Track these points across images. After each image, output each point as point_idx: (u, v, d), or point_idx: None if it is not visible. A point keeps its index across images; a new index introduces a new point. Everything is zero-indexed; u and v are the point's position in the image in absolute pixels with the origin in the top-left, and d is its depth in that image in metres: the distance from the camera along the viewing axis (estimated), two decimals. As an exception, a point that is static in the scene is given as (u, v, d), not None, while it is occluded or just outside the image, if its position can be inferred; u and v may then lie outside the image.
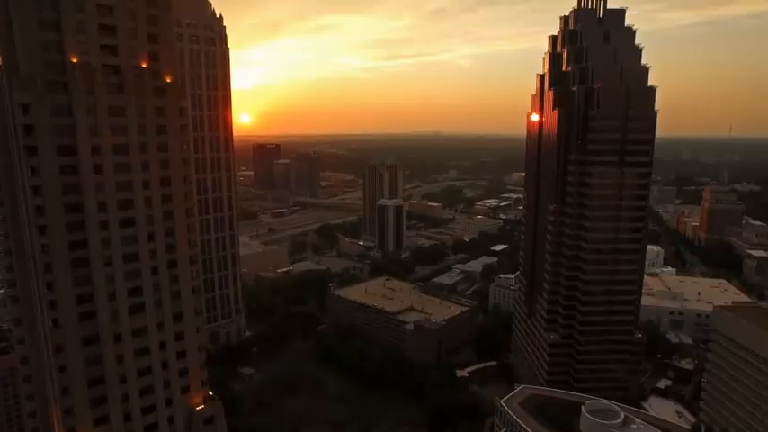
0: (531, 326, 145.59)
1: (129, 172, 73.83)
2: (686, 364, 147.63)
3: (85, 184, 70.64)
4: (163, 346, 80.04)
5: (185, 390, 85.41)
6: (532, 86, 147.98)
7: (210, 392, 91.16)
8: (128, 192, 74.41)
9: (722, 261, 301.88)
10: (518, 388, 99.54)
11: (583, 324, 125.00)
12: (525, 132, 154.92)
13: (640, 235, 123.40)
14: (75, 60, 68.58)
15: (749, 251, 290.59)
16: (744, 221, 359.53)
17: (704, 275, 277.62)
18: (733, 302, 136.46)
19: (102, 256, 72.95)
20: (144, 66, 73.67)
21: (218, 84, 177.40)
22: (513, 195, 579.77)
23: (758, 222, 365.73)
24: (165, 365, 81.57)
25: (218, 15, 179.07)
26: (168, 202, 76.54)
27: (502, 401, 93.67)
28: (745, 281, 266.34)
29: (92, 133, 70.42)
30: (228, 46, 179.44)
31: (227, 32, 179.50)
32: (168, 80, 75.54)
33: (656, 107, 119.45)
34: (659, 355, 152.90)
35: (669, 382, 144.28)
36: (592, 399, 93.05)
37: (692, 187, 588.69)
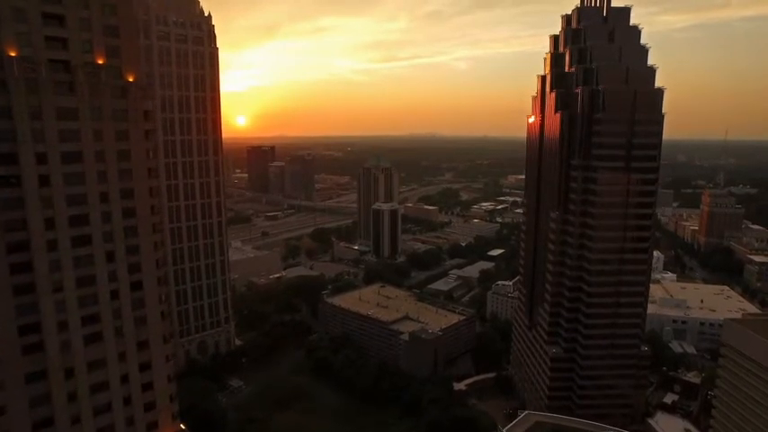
0: (532, 338, 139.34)
1: (82, 184, 64.63)
2: (693, 378, 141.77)
3: (29, 198, 61.34)
4: (125, 379, 70.76)
5: (152, 426, 76.61)
6: (529, 89, 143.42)
7: (183, 426, 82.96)
8: (81, 206, 65.18)
9: (722, 266, 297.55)
10: (522, 414, 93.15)
11: (586, 338, 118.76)
12: (521, 134, 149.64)
13: (647, 244, 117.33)
14: (13, 54, 59.51)
15: (750, 256, 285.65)
16: (743, 225, 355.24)
17: (705, 281, 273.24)
18: (742, 314, 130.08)
19: (50, 281, 63.46)
20: (100, 62, 64.43)
21: (207, 85, 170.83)
22: (510, 198, 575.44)
23: (757, 226, 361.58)
24: (127, 401, 72.18)
25: (206, 14, 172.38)
26: (131, 216, 67.72)
27: (504, 430, 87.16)
28: (747, 286, 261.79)
29: (36, 139, 61.00)
30: (218, 46, 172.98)
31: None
32: (130, 79, 66.57)
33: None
34: (665, 368, 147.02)
35: (676, 397, 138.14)
36: (602, 427, 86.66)
37: (689, 190, 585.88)
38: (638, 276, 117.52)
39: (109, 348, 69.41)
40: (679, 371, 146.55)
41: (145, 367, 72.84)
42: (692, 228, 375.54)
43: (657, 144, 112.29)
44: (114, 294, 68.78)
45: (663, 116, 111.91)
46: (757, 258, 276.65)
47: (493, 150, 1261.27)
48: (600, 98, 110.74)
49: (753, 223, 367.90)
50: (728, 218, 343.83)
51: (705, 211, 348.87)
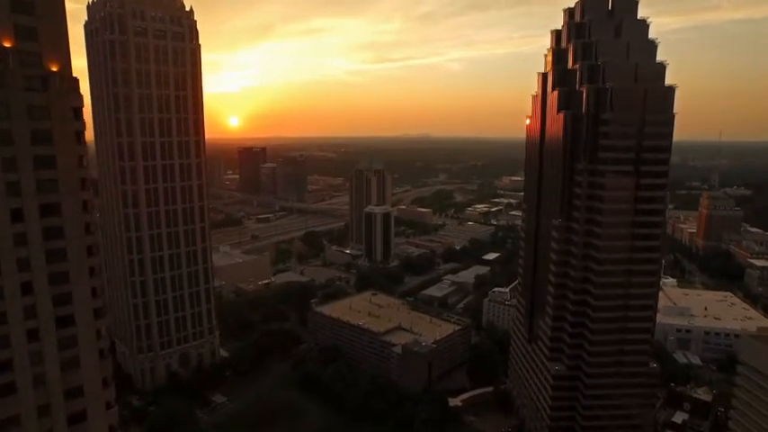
0: (532, 352, 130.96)
1: (-16, 198, 51.99)
2: (703, 395, 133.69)
3: None
4: (49, 438, 57.31)
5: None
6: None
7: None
8: (-17, 227, 52.44)
9: (722, 270, 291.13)
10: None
11: (592, 354, 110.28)
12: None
13: (657, 254, 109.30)
14: None
15: (751, 260, 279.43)
16: (742, 228, 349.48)
17: (705, 285, 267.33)
18: (757, 328, 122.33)
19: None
20: (8, 45, 52.53)
21: (188, 83, 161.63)
22: (504, 200, 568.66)
23: (756, 229, 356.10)
24: (52, 464, 58.77)
25: (188, 9, 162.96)
26: (57, 237, 55.31)
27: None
28: (749, 291, 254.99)
29: None
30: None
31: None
32: (53, 68, 54.51)
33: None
34: (673, 384, 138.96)
35: (686, 416, 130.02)
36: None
37: (684, 191, 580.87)
38: (646, 289, 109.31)
39: (25, 402, 56.17)
40: (688, 386, 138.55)
41: (77, 419, 59.48)
42: (689, 230, 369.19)
43: (668, 146, 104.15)
44: (33, 334, 55.91)
45: (674, 116, 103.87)
46: (758, 262, 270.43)
47: (487, 151, 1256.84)
48: (607, 97, 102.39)
49: (749, 225, 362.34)
50: (727, 220, 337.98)
51: (703, 214, 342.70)
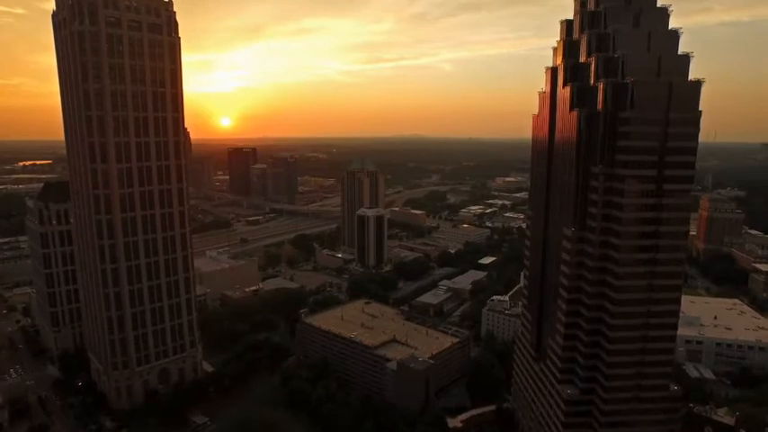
0: (540, 372, 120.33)
1: None
2: (724, 417, 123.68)
3: None
4: None
5: None
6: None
7: None
8: None
9: (725, 274, 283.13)
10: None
11: (609, 378, 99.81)
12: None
13: (681, 267, 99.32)
14: None
15: (755, 264, 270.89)
16: (743, 231, 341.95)
17: (708, 291, 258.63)
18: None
19: None
20: None
21: (167, 79, 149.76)
22: (499, 201, 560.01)
23: (756, 232, 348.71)
24: None
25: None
26: None
27: None
28: (754, 297, 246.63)
29: None
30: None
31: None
32: None
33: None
34: (691, 405, 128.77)
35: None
36: None
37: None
38: (669, 305, 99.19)
39: None
40: (707, 407, 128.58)
41: None
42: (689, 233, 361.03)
43: (694, 148, 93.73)
44: None
45: (700, 114, 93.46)
46: (763, 267, 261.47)
47: (480, 152, 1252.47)
48: (627, 93, 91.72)
49: (747, 227, 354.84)
50: (728, 223, 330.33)
51: (704, 217, 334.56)
